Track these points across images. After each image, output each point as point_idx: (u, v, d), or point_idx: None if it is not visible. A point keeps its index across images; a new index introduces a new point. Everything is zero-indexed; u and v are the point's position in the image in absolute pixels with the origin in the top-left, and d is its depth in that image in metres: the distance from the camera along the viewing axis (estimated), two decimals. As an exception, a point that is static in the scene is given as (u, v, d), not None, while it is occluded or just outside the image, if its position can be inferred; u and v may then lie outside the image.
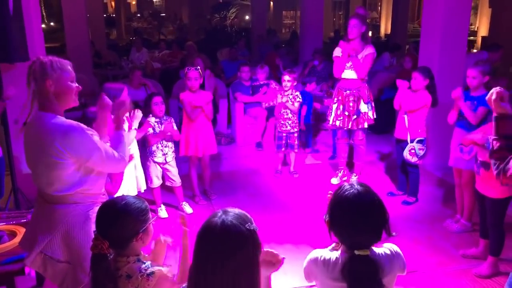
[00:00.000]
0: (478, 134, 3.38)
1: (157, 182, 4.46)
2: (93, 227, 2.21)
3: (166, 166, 4.45)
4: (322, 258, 1.77)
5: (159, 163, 4.42)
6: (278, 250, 3.89)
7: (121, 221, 1.87)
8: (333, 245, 1.90)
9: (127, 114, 3.60)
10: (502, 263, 3.51)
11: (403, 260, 1.82)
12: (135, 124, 3.55)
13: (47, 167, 2.19)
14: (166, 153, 4.41)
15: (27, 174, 4.46)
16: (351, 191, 1.71)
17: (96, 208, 1.97)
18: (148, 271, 1.87)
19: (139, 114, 3.57)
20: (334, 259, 1.75)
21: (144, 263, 1.91)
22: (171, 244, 2.18)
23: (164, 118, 4.42)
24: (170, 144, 4.44)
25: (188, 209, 4.60)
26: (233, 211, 1.56)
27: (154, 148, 4.37)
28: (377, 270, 1.67)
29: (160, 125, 4.36)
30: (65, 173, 2.20)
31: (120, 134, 2.46)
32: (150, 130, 4.30)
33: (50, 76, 2.19)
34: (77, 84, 2.32)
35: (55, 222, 2.24)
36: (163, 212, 4.52)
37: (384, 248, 1.78)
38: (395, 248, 1.81)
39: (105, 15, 18.24)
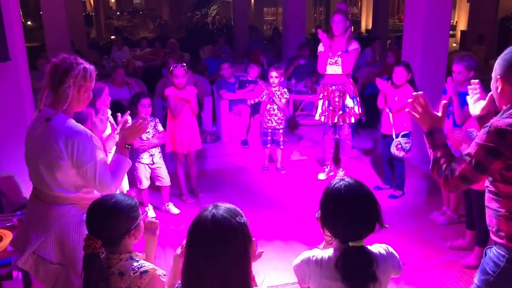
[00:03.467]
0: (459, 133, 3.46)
1: (146, 183, 4.42)
2: None
3: (154, 166, 4.40)
4: (314, 258, 1.75)
5: (147, 164, 4.38)
6: (267, 247, 3.93)
7: (113, 220, 1.85)
8: (323, 244, 1.90)
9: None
10: (489, 253, 3.56)
11: (398, 262, 1.81)
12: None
13: (48, 166, 2.18)
14: (153, 154, 4.37)
15: (11, 176, 4.41)
16: (342, 183, 1.72)
17: None
18: (142, 269, 1.86)
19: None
20: (326, 257, 1.73)
21: (137, 261, 1.91)
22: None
23: (149, 119, 4.33)
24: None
25: (174, 209, 4.55)
26: (224, 205, 1.57)
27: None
28: (371, 261, 1.67)
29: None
30: (66, 174, 2.18)
31: (124, 159, 2.36)
32: None
33: (85, 84, 2.25)
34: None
35: (49, 223, 2.21)
36: (150, 212, 4.48)
37: (379, 248, 1.78)
38: (390, 249, 1.81)
39: (83, 14, 17.96)
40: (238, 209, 1.60)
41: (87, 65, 2.27)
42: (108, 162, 2.38)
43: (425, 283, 3.40)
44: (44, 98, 2.26)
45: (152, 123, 4.36)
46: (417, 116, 2.03)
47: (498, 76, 1.93)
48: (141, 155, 4.34)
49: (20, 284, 3.18)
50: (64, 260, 2.23)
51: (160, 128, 4.43)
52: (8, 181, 4.39)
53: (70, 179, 2.21)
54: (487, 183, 2.01)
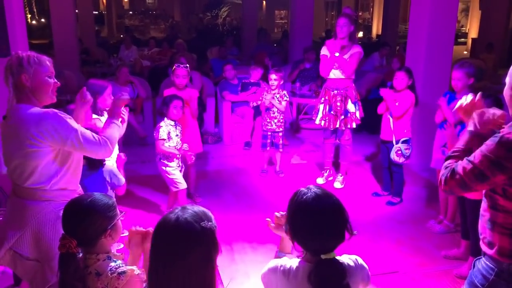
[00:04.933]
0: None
1: (183, 182, 4.28)
2: None
3: (180, 168, 4.30)
4: (281, 268, 1.71)
5: (175, 167, 4.24)
6: (260, 250, 3.91)
7: (88, 219, 1.83)
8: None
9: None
10: (483, 264, 3.51)
11: (367, 273, 1.76)
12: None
13: (23, 157, 2.20)
14: (179, 158, 4.27)
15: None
16: (309, 195, 1.66)
17: None
18: (120, 270, 1.83)
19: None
20: (294, 268, 1.69)
21: (115, 261, 1.88)
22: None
23: (175, 124, 4.22)
24: (185, 145, 4.32)
25: None
26: (192, 208, 1.53)
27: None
28: (344, 272, 1.63)
29: (175, 128, 4.20)
30: (42, 162, 2.21)
31: (111, 121, 2.48)
32: (164, 136, 4.09)
33: (26, 71, 2.22)
34: (55, 80, 2.33)
35: (26, 219, 2.23)
36: None
37: (347, 259, 1.73)
38: (360, 260, 1.76)
39: (96, 12, 18.13)
40: (208, 213, 1.55)
41: (23, 54, 2.24)
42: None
43: (416, 292, 3.36)
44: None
45: (179, 127, 4.26)
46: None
47: None
48: (167, 159, 4.18)
49: (10, 280, 3.21)
50: (40, 257, 2.24)
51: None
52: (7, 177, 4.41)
53: (48, 167, 2.23)
54: (485, 192, 1.94)
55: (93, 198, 1.88)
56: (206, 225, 1.48)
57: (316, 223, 1.64)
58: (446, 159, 1.95)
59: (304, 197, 1.66)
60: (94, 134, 2.32)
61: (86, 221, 1.83)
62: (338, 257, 1.70)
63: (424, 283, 3.44)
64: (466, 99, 2.09)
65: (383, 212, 4.61)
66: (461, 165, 1.84)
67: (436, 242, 4.00)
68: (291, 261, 1.72)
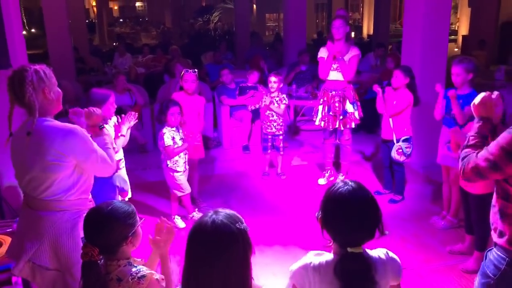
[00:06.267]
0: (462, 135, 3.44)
1: (188, 187, 4.39)
2: (80, 233, 2.22)
3: (186, 172, 4.38)
4: (311, 265, 1.73)
5: (182, 172, 4.32)
6: (267, 252, 3.93)
7: (109, 227, 1.86)
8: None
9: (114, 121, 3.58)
10: (488, 258, 3.56)
11: (399, 267, 1.77)
12: (124, 130, 3.51)
13: (43, 170, 2.21)
14: (186, 161, 4.36)
15: (14, 185, 4.42)
16: (345, 187, 1.69)
17: (84, 216, 1.96)
18: (139, 274, 1.87)
19: (129, 118, 3.55)
20: (324, 262, 1.71)
21: (136, 266, 1.92)
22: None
23: (174, 129, 4.27)
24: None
25: (180, 223, 4.45)
26: (224, 211, 1.58)
27: (176, 158, 4.27)
28: (370, 267, 1.65)
29: (178, 133, 4.26)
30: (61, 175, 2.23)
31: (101, 139, 2.51)
32: (170, 142, 4.17)
33: (46, 84, 2.26)
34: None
35: (42, 230, 2.24)
36: (179, 221, 4.46)
37: (378, 252, 1.76)
38: (390, 253, 1.78)
39: (87, 21, 18.09)
40: (238, 215, 1.61)
41: (37, 67, 2.27)
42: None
43: (423, 288, 3.40)
44: (13, 115, 2.28)
45: (181, 130, 4.33)
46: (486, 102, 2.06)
47: None
48: (177, 163, 4.26)
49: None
50: (60, 266, 2.26)
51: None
52: (11, 189, 4.40)
53: (66, 179, 2.26)
54: (497, 183, 2.00)
55: (113, 207, 1.91)
56: (241, 226, 1.55)
57: (346, 216, 1.67)
58: (464, 148, 2.03)
59: (340, 189, 1.70)
60: (106, 155, 2.38)
61: (107, 229, 1.86)
62: (368, 251, 1.72)
63: (431, 279, 3.49)
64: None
65: (386, 210, 4.64)
66: (478, 155, 1.93)
67: (441, 238, 4.05)
68: (321, 257, 1.74)
